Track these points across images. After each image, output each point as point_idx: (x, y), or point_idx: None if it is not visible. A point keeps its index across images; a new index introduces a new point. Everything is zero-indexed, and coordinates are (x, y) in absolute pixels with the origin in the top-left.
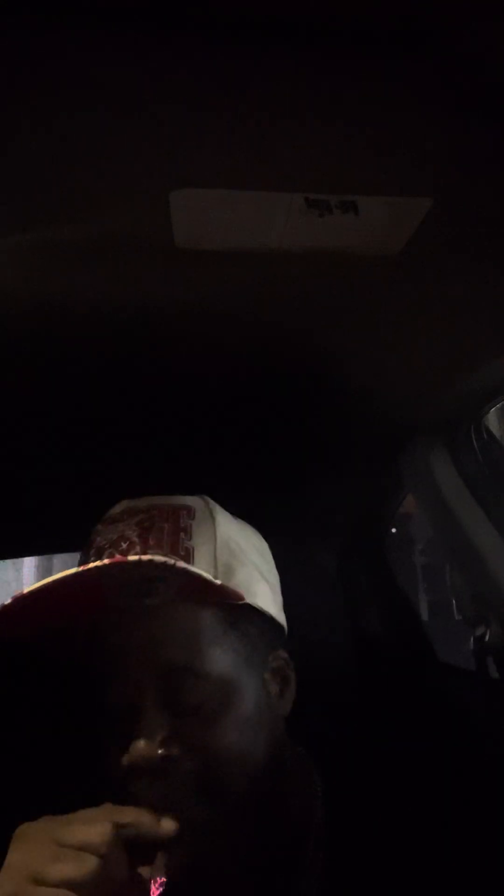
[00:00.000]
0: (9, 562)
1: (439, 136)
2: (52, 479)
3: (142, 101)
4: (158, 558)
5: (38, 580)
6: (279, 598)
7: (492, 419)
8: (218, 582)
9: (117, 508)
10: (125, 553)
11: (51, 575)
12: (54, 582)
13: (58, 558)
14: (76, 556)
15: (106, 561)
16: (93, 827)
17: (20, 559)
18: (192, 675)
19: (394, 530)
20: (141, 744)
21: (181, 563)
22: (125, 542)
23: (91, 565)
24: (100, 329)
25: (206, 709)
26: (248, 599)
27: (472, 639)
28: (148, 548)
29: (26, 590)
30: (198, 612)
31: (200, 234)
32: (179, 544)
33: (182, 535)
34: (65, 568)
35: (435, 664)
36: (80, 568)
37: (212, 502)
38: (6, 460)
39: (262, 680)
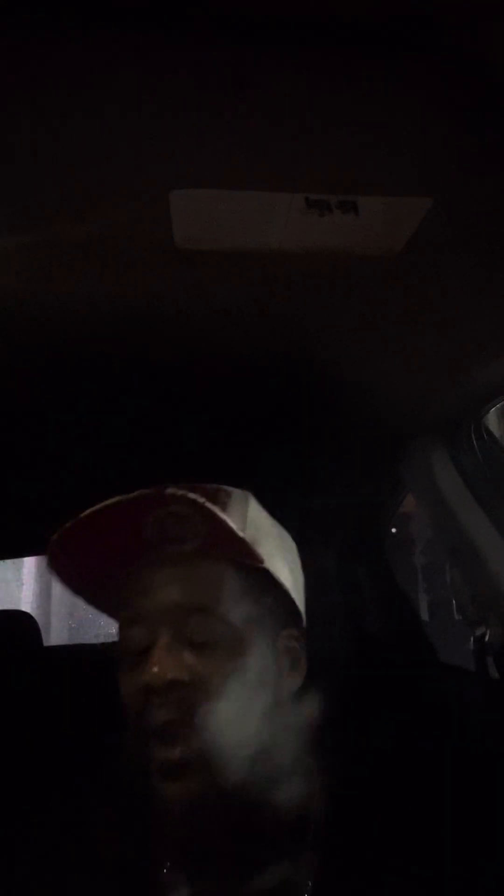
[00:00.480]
0: (9, 562)
1: (439, 136)
2: (53, 479)
3: (142, 101)
4: (198, 498)
5: (38, 580)
6: (301, 592)
7: (492, 419)
8: (242, 534)
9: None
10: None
11: (50, 575)
12: (103, 507)
13: None
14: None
15: (143, 494)
16: None
17: (20, 559)
18: (207, 614)
19: (394, 530)
20: (155, 667)
21: (214, 507)
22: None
23: (136, 493)
24: (100, 329)
25: (216, 649)
26: (268, 565)
27: (472, 639)
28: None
29: (81, 515)
30: (219, 566)
31: (200, 234)
32: (216, 500)
33: (217, 505)
34: None
35: (435, 664)
36: (128, 496)
37: (251, 496)
38: (6, 460)
39: (272, 649)
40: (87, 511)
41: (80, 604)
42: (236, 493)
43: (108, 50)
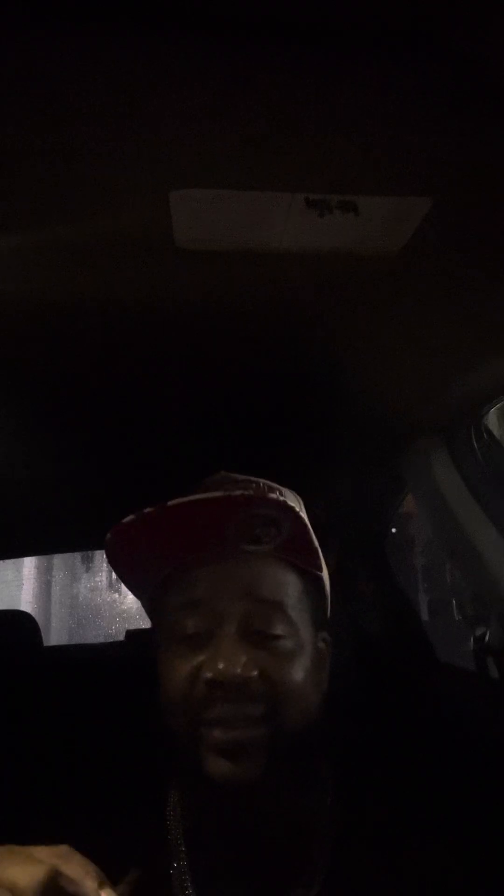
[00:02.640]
0: (9, 562)
1: (439, 136)
2: (53, 480)
3: (142, 101)
4: (295, 505)
5: (38, 580)
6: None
7: (492, 419)
8: (317, 545)
9: (213, 477)
10: (230, 488)
11: (50, 575)
12: (197, 500)
13: (58, 558)
14: (76, 556)
15: (245, 493)
16: (28, 868)
17: (20, 559)
18: (278, 609)
19: (394, 530)
20: (222, 662)
21: (303, 515)
22: (238, 489)
23: (238, 493)
24: (100, 329)
25: (281, 645)
26: (324, 576)
27: (472, 639)
28: (250, 486)
29: (170, 503)
30: (285, 568)
31: (200, 234)
32: (277, 496)
33: (278, 492)
34: (65, 567)
35: (435, 664)
36: (225, 493)
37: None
38: (6, 461)
39: (316, 650)
40: (177, 501)
41: (80, 604)
42: (286, 491)
43: (108, 50)
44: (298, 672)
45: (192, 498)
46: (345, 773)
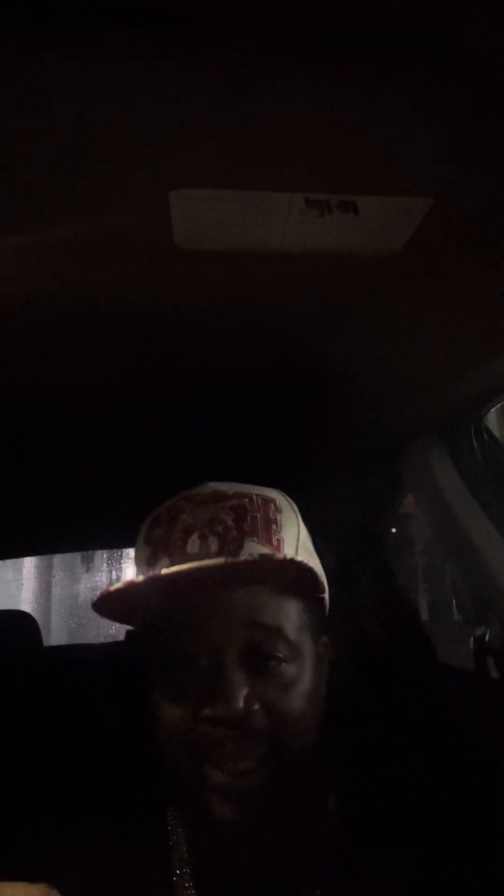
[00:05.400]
0: (9, 562)
1: (439, 135)
2: (53, 480)
3: (142, 100)
4: (282, 556)
5: (38, 580)
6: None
7: (492, 419)
8: (323, 582)
9: (202, 489)
10: (223, 535)
11: (50, 575)
12: (168, 575)
13: (58, 558)
14: (76, 556)
15: (250, 556)
16: None
17: (20, 559)
18: (277, 634)
19: (394, 530)
20: (227, 699)
21: (300, 559)
22: (220, 525)
23: (222, 561)
24: (99, 329)
25: (283, 669)
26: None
27: (472, 639)
28: (245, 534)
29: (138, 578)
30: (283, 590)
31: (200, 234)
32: (272, 535)
33: (273, 526)
34: (65, 568)
35: (435, 664)
36: (201, 563)
37: (289, 498)
38: (6, 461)
39: (317, 660)
40: (174, 570)
41: (80, 604)
42: (283, 505)
43: (108, 50)
44: (300, 698)
45: (190, 567)
46: (345, 774)
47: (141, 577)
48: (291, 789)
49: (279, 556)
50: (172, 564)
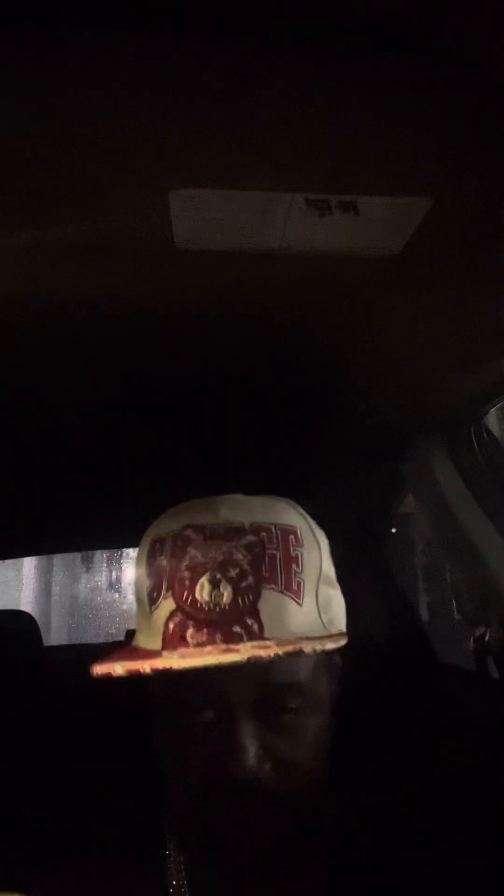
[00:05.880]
0: (9, 562)
1: (439, 136)
2: (53, 480)
3: (142, 101)
4: (313, 649)
5: (38, 580)
6: None
7: (492, 419)
8: (339, 660)
9: (212, 518)
10: (237, 582)
11: (50, 575)
12: (173, 671)
13: (58, 558)
14: (76, 556)
15: (275, 653)
16: None
17: (20, 559)
18: (291, 688)
19: (394, 530)
20: (239, 756)
21: (329, 646)
22: (234, 569)
23: (244, 659)
24: (99, 329)
25: (297, 723)
26: (342, 636)
27: (472, 639)
28: (262, 580)
29: (151, 667)
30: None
31: (200, 234)
32: (292, 578)
33: (294, 566)
34: (65, 567)
35: (435, 664)
36: (221, 659)
37: (309, 519)
38: (6, 461)
39: (331, 693)
40: (189, 663)
41: (80, 604)
42: (306, 536)
43: (107, 50)
44: (314, 746)
45: (202, 664)
46: (347, 776)
47: (148, 668)
48: (297, 826)
49: (308, 649)
50: (180, 610)
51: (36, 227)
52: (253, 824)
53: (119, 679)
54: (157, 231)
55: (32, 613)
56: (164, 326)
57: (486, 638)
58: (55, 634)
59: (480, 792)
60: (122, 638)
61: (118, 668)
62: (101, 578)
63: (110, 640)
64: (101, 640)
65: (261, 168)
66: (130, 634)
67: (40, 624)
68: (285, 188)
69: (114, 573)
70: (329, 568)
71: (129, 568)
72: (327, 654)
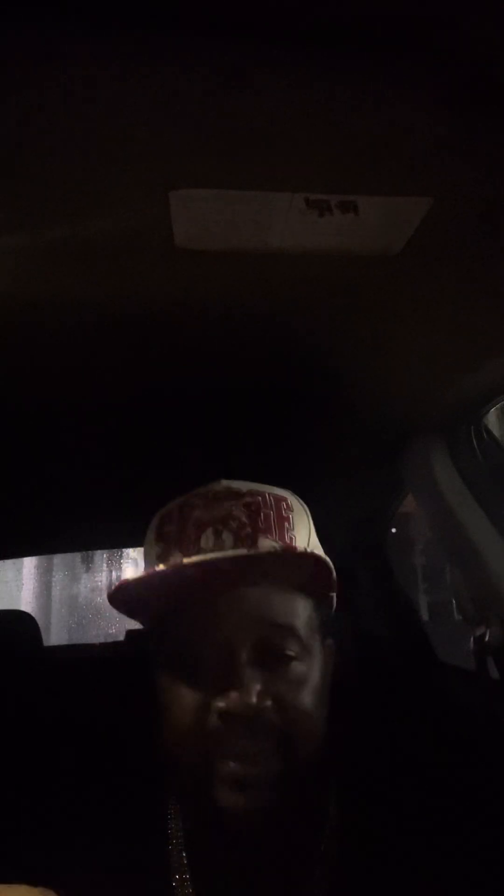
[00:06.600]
0: (9, 562)
1: (439, 135)
2: (53, 480)
3: (142, 101)
4: (302, 548)
5: (38, 580)
6: None
7: (492, 419)
8: (335, 577)
9: (214, 486)
10: (237, 531)
11: (50, 575)
12: (191, 564)
13: (58, 558)
14: (76, 556)
15: (273, 548)
16: None
17: (20, 559)
18: (290, 632)
19: (394, 530)
20: (240, 693)
21: (317, 552)
22: (234, 521)
23: (245, 552)
24: (99, 329)
25: (294, 667)
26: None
27: (472, 639)
28: (258, 530)
29: (159, 567)
30: (296, 589)
31: (200, 234)
32: (285, 533)
33: (286, 524)
34: (65, 567)
35: (435, 664)
36: (224, 554)
37: (299, 499)
38: (7, 461)
39: (325, 660)
40: (197, 559)
41: (80, 604)
42: (295, 505)
43: (107, 50)
44: (310, 695)
45: (212, 557)
46: (347, 775)
47: (162, 566)
48: (297, 786)
49: (298, 548)
50: (187, 558)
51: (36, 227)
52: (255, 760)
53: (119, 677)
54: (157, 231)
55: (32, 613)
56: (165, 326)
57: (486, 638)
58: (55, 634)
59: (480, 792)
60: (121, 638)
61: (136, 575)
62: (101, 578)
63: (110, 640)
64: (101, 640)
65: (261, 168)
66: (130, 635)
67: (40, 624)
68: (285, 188)
69: (114, 573)
70: (315, 541)
71: (130, 568)
72: (321, 602)
